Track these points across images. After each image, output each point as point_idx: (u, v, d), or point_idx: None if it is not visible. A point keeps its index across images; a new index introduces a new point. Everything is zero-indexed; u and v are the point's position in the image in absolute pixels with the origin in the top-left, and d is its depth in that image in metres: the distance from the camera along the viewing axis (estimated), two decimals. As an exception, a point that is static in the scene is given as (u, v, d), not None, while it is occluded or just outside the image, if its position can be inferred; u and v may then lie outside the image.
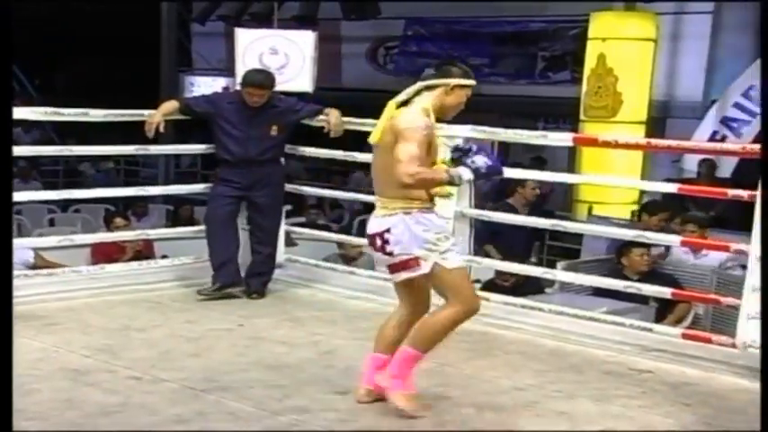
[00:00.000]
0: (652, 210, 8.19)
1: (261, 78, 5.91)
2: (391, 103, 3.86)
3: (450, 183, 3.78)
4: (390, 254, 3.76)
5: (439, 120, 3.92)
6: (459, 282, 3.80)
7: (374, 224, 3.81)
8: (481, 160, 3.80)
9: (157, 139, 6.20)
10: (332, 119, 6.01)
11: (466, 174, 3.76)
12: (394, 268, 3.80)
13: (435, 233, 3.76)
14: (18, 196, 8.76)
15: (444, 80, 3.85)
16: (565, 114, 13.42)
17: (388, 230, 3.74)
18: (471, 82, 3.90)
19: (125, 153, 10.82)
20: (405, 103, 3.85)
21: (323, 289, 6.16)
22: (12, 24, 3.26)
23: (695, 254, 7.36)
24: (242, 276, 5.94)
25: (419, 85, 3.86)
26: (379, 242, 3.78)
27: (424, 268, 3.73)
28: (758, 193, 4.41)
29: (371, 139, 3.89)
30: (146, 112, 5.94)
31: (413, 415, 3.74)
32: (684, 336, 5.01)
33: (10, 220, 3.34)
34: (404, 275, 3.79)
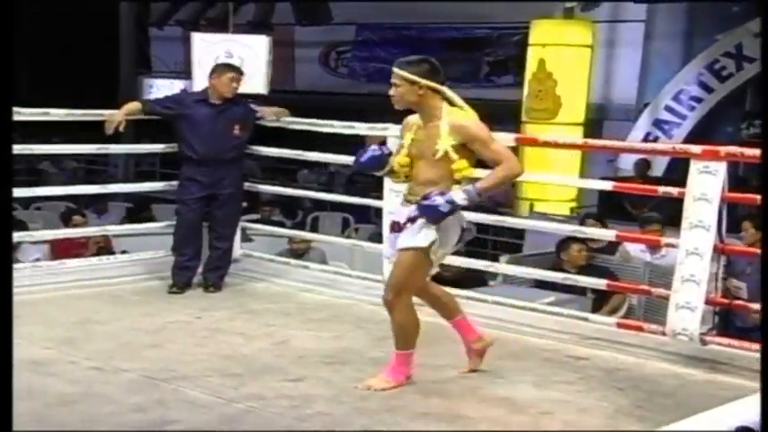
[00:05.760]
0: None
1: (238, 66, 5.98)
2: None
3: None
4: None
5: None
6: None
7: None
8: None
9: (119, 139, 6.15)
10: (276, 113, 6.12)
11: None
12: None
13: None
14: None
15: None
16: (508, 116, 13.52)
17: None
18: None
19: (86, 152, 10.64)
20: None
21: (277, 282, 6.15)
22: (13, 25, 3.18)
23: (652, 253, 7.38)
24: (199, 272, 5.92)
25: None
26: None
27: None
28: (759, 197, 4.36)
29: None
30: (106, 112, 5.89)
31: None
32: (619, 325, 5.08)
33: (10, 221, 3.26)
34: None
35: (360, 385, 3.99)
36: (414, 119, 4.10)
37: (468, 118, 3.98)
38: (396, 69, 3.99)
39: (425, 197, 3.87)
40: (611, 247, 7.55)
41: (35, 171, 14.93)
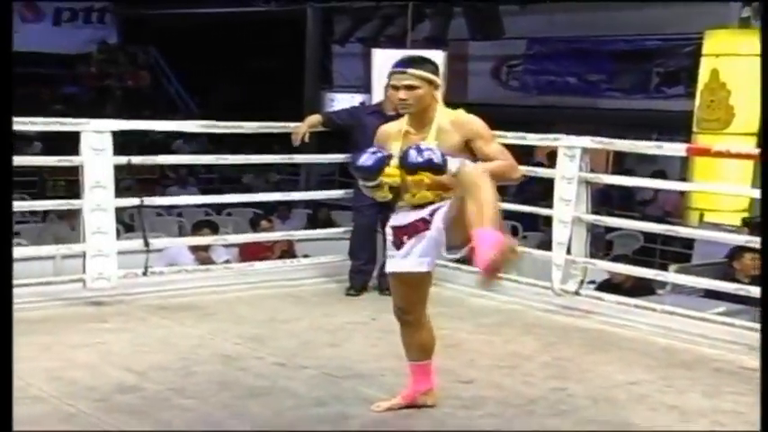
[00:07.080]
0: None
1: None
2: None
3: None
4: None
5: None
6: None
7: None
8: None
9: (301, 150, 6.33)
10: None
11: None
12: None
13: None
14: (176, 200, 9.16)
15: None
16: (678, 127, 13.07)
17: None
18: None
19: (273, 162, 10.94)
20: None
21: (449, 287, 6.14)
22: (11, 29, 3.05)
23: None
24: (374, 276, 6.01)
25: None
26: None
27: None
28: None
29: None
30: (291, 124, 6.08)
31: None
32: (794, 337, 4.80)
33: (10, 224, 3.20)
34: None
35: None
36: (392, 127, 3.59)
37: (469, 115, 3.48)
38: (413, 70, 3.46)
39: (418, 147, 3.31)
40: None
41: (229, 179, 15.53)
